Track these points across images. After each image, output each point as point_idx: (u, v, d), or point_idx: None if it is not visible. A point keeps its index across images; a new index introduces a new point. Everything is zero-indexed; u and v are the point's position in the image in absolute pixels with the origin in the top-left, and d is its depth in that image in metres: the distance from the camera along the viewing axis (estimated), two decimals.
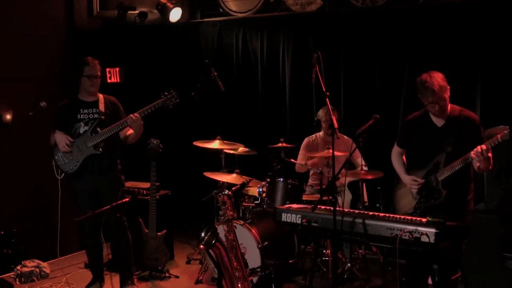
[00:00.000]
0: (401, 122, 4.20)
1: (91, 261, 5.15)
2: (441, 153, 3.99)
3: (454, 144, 3.94)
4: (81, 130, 4.80)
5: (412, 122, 4.20)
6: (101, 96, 4.95)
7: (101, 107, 4.86)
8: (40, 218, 6.10)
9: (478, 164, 3.83)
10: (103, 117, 4.82)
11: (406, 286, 4.05)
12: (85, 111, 4.84)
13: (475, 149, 3.75)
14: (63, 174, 4.86)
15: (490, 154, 3.80)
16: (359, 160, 5.50)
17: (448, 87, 3.95)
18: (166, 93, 4.83)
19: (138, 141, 4.97)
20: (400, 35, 5.71)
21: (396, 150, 4.36)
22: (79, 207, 4.84)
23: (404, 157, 4.32)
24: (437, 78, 3.92)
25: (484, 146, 3.73)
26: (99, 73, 4.87)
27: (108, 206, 4.11)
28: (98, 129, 4.78)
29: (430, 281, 4.05)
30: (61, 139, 4.77)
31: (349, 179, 5.30)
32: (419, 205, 4.08)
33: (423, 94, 3.96)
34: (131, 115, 4.74)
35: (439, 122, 4.05)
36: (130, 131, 4.87)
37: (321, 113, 5.68)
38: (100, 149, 4.77)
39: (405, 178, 4.20)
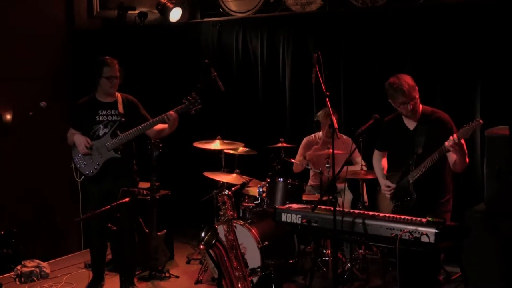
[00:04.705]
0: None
1: (93, 260, 5.11)
2: (412, 156, 3.95)
3: (424, 146, 3.88)
4: (101, 133, 4.73)
5: (387, 125, 4.17)
6: (119, 95, 4.86)
7: (120, 108, 4.78)
8: (40, 218, 6.10)
9: (454, 157, 3.77)
10: (123, 119, 4.73)
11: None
12: (104, 112, 4.76)
13: (449, 139, 3.66)
14: (82, 177, 4.80)
15: (463, 141, 3.68)
16: (359, 159, 5.50)
17: (417, 87, 3.92)
18: (189, 97, 4.73)
19: (137, 141, 4.95)
20: (400, 35, 5.70)
21: (376, 153, 4.36)
22: (88, 209, 4.74)
23: (385, 160, 4.30)
24: (405, 79, 3.91)
25: (455, 135, 3.65)
26: (118, 74, 4.78)
27: (108, 206, 4.10)
28: (118, 131, 4.71)
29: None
30: (80, 141, 4.69)
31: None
32: (395, 208, 4.06)
33: (393, 96, 3.93)
34: (170, 112, 4.72)
35: (411, 124, 4.02)
36: (162, 127, 4.83)
37: (321, 115, 5.68)
38: (119, 153, 4.71)
39: (381, 182, 4.20)
